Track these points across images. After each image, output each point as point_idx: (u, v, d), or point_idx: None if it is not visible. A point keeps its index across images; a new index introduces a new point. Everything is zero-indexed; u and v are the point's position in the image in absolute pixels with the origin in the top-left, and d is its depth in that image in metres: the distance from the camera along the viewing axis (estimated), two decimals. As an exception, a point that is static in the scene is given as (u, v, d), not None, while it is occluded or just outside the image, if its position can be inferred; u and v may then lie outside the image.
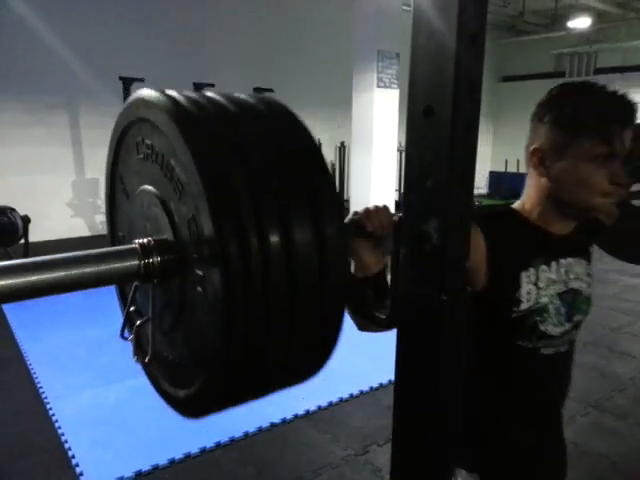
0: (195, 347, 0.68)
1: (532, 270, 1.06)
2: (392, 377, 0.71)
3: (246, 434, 2.67)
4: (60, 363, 3.47)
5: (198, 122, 0.60)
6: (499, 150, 12.65)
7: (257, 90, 7.33)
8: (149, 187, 0.71)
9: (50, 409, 2.89)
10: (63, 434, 2.66)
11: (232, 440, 2.62)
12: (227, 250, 0.55)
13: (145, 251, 0.65)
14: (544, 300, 1.06)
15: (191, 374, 0.68)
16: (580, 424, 2.84)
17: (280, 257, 0.57)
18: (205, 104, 0.62)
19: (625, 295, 5.10)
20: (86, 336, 3.92)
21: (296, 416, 2.82)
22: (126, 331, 0.82)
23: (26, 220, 5.31)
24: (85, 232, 7.63)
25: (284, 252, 0.58)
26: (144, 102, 0.66)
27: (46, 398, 3.01)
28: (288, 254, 0.58)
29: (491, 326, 1.08)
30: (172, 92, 0.64)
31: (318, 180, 0.62)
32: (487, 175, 12.96)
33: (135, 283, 0.75)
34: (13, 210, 5.27)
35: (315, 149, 0.66)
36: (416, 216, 0.61)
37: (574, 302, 1.11)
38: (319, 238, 0.59)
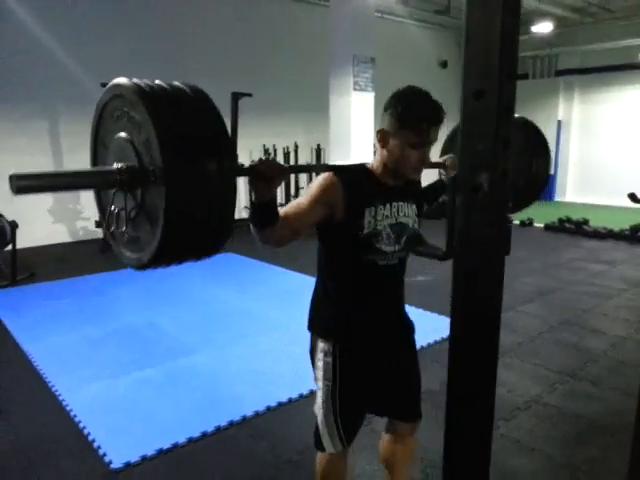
0: (147, 228, 1.21)
1: (373, 208, 1.60)
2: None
3: (256, 413, 2.84)
4: (64, 360, 3.56)
5: (148, 91, 1.16)
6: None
7: (235, 95, 7.51)
8: (121, 134, 1.25)
9: (63, 400, 3.00)
10: (80, 422, 2.78)
11: (244, 419, 2.79)
12: (167, 164, 1.09)
13: (120, 170, 1.20)
14: (379, 228, 1.61)
15: (143, 245, 1.24)
16: (560, 391, 3.10)
17: (196, 171, 1.12)
18: (153, 84, 1.19)
19: (593, 280, 5.46)
20: (85, 334, 4.01)
21: (301, 396, 3.01)
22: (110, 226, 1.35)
23: (13, 225, 5.34)
24: (67, 238, 7.63)
25: (198, 168, 1.12)
26: (119, 85, 1.22)
27: (57, 391, 3.11)
28: (199, 176, 1.13)
29: (345, 244, 1.63)
30: (135, 79, 1.20)
31: (221, 132, 1.18)
32: (457, 175, 13.37)
33: (114, 190, 1.26)
34: (0, 215, 5.30)
35: (217, 119, 1.19)
36: (471, 172, 0.83)
37: (401, 231, 1.66)
38: (218, 163, 1.14)
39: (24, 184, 1.15)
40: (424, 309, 4.47)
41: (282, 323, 4.17)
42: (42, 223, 7.29)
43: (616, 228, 7.56)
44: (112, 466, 2.41)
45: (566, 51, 11.14)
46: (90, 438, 2.63)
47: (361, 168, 1.68)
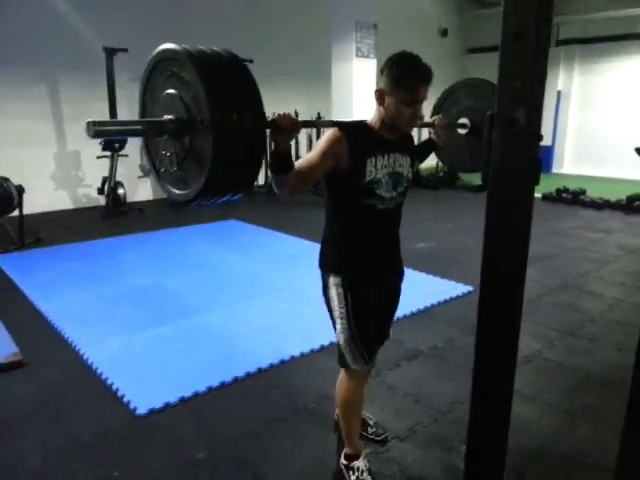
0: (194, 169, 1.48)
1: (373, 158, 1.82)
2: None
3: (271, 365, 2.97)
4: (80, 317, 3.67)
5: (197, 55, 1.40)
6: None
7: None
8: (170, 90, 1.50)
9: (84, 354, 3.12)
10: (102, 373, 2.90)
11: (259, 370, 2.92)
12: (214, 117, 1.35)
13: (172, 121, 1.47)
14: (379, 176, 1.84)
15: (186, 184, 1.53)
16: (559, 347, 3.26)
17: (236, 123, 1.38)
18: (199, 49, 1.43)
19: (590, 247, 5.59)
20: (97, 294, 4.12)
21: (312, 350, 3.14)
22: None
23: (20, 190, 5.38)
24: (69, 205, 7.67)
25: (237, 124, 1.38)
26: (170, 48, 1.47)
27: (76, 346, 3.23)
28: (238, 126, 1.39)
29: (349, 190, 1.86)
30: (182, 44, 1.43)
31: (253, 98, 1.44)
32: (455, 145, 13.39)
33: (165, 137, 1.52)
34: (7, 180, 5.33)
35: (251, 80, 1.46)
36: (508, 107, 0.92)
37: (397, 179, 1.90)
38: (253, 125, 1.42)
39: (99, 129, 1.44)
40: (426, 272, 4.59)
41: (287, 285, 4.28)
42: (45, 189, 7.32)
43: (612, 198, 7.68)
44: (137, 412, 2.54)
45: (568, 20, 11.05)
46: (114, 388, 2.76)
47: (362, 124, 1.91)
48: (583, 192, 8.07)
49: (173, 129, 1.48)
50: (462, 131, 2.44)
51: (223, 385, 2.79)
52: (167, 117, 1.49)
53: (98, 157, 7.02)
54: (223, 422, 2.49)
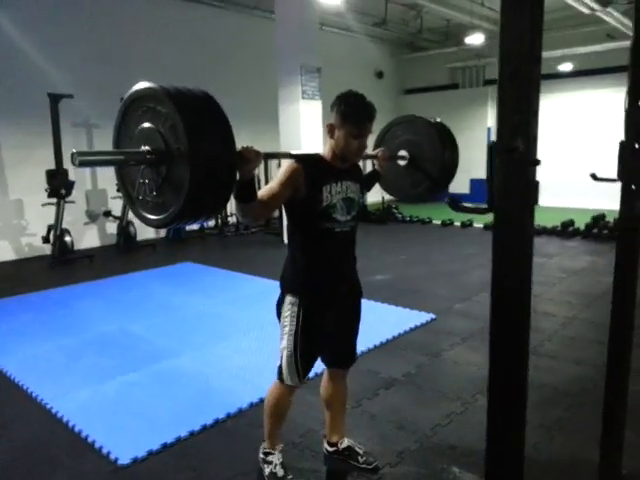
0: (171, 195, 1.60)
1: (328, 186, 2.03)
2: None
3: (251, 404, 2.95)
4: (43, 370, 3.51)
5: (172, 91, 1.54)
6: (406, 157, 13.66)
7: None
8: (147, 124, 1.62)
9: (51, 408, 2.98)
10: (75, 426, 2.78)
11: (240, 410, 2.90)
12: (192, 146, 1.48)
13: (149, 151, 1.60)
14: (334, 201, 2.04)
15: (165, 208, 1.63)
16: (524, 366, 3.42)
17: (210, 155, 1.53)
18: (172, 86, 1.56)
19: (535, 271, 5.92)
20: (58, 345, 3.95)
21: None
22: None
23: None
24: (11, 256, 7.34)
25: (211, 152, 1.53)
26: (146, 86, 1.60)
27: (42, 400, 3.08)
28: (214, 158, 1.54)
29: (308, 216, 2.05)
30: (158, 83, 1.57)
31: (226, 128, 1.58)
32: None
33: (143, 166, 1.65)
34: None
35: (222, 113, 1.60)
36: (509, 137, 1.05)
37: (350, 204, 2.10)
38: (226, 155, 1.57)
39: (83, 159, 1.60)
40: (388, 303, 4.73)
41: (255, 324, 4.28)
42: (-17, 240, 7.00)
43: (548, 225, 8.20)
44: (120, 462, 2.46)
45: (493, 62, 11.93)
46: (90, 440, 2.65)
47: (316, 156, 2.13)
48: (521, 220, 8.58)
49: (151, 159, 1.62)
50: (402, 162, 2.70)
51: (205, 428, 2.74)
52: (145, 148, 1.62)
53: (43, 205, 6.81)
54: (212, 465, 2.45)
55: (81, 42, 7.56)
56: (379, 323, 4.27)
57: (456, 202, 1.24)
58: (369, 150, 2.27)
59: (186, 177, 1.52)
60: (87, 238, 8.02)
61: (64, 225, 6.95)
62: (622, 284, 1.86)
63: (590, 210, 8.82)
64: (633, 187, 1.70)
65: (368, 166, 2.72)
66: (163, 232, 8.70)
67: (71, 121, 7.43)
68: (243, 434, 2.70)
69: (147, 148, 1.62)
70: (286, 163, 2.04)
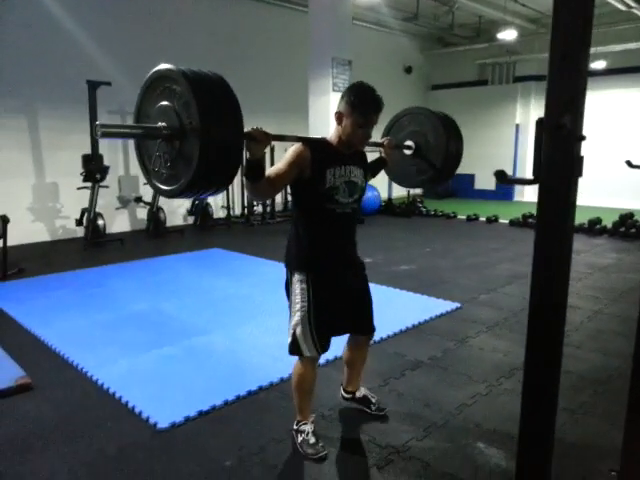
0: (182, 168, 1.78)
1: (332, 169, 2.15)
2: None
3: (281, 379, 3.06)
4: (81, 341, 3.67)
5: (188, 72, 1.72)
6: (432, 153, 13.63)
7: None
8: (164, 102, 1.80)
9: (92, 376, 3.13)
10: (115, 392, 2.92)
11: (271, 384, 3.01)
12: (203, 124, 1.67)
13: (165, 127, 1.79)
14: (337, 183, 2.16)
15: (177, 179, 1.81)
16: (549, 354, 3.47)
17: (219, 136, 1.72)
18: (191, 69, 1.75)
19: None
20: (94, 320, 4.12)
21: (319, 364, 3.23)
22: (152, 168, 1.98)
23: (5, 220, 5.34)
24: (46, 237, 7.58)
25: (221, 135, 1.72)
26: (165, 68, 1.79)
27: (83, 368, 3.23)
28: (222, 135, 1.72)
29: (312, 196, 2.17)
30: (176, 65, 1.75)
31: (237, 114, 1.76)
32: (422, 176, 13.90)
33: (159, 140, 1.83)
34: (-9, 210, 5.29)
35: (233, 95, 1.77)
36: (556, 114, 1.12)
37: (353, 187, 2.22)
38: (233, 133, 1.76)
39: (106, 130, 1.79)
40: (413, 292, 4.80)
41: (282, 307, 4.27)
42: (21, 222, 7.22)
43: (575, 222, 8.13)
44: (159, 426, 2.59)
45: (523, 59, 11.85)
46: (130, 405, 2.79)
47: (323, 140, 2.26)
48: (547, 217, 8.53)
49: (166, 134, 1.79)
50: (408, 152, 2.87)
51: (238, 399, 2.86)
52: (161, 124, 1.80)
53: (79, 188, 7.03)
54: (246, 432, 2.56)
55: (121, 32, 7.75)
56: (404, 310, 4.35)
57: (502, 174, 1.31)
58: (377, 138, 2.44)
59: (196, 151, 1.69)
60: (118, 222, 8.24)
61: (97, 209, 7.16)
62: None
63: (617, 209, 8.73)
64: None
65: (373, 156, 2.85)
66: (191, 219, 8.88)
67: (107, 109, 7.63)
68: (275, 405, 2.81)
69: (163, 124, 1.80)
70: (294, 145, 2.16)
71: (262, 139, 1.89)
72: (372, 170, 2.59)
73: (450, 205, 10.71)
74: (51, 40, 7.15)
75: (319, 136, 2.32)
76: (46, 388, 3.02)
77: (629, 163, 2.13)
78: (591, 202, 10.69)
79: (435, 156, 2.84)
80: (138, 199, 8.11)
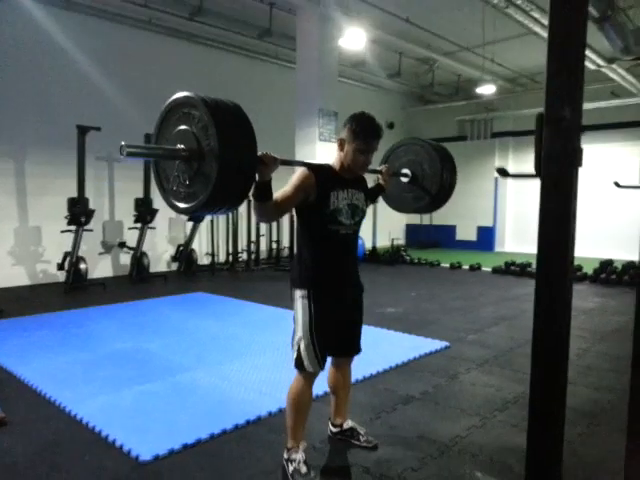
0: (200, 187, 1.90)
1: (335, 192, 2.26)
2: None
3: (270, 413, 2.96)
4: (61, 379, 3.52)
5: (206, 98, 1.87)
6: (414, 205, 13.88)
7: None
8: (182, 127, 1.94)
9: (70, 411, 2.99)
10: (94, 426, 2.79)
11: (259, 418, 2.91)
12: (221, 147, 1.79)
13: (184, 149, 1.92)
14: (340, 205, 2.27)
15: (195, 197, 1.93)
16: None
17: (235, 157, 1.85)
18: (210, 97, 1.90)
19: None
20: (75, 358, 3.98)
21: (309, 399, 3.16)
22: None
23: (-15, 259, 5.24)
24: (25, 281, 7.42)
25: (237, 156, 1.86)
26: (184, 95, 1.94)
27: (61, 404, 3.09)
28: (238, 156, 1.87)
29: (316, 218, 2.26)
30: (196, 93, 1.91)
31: (251, 139, 1.90)
32: (404, 227, 14.10)
33: (178, 161, 1.95)
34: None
35: (247, 120, 1.92)
36: (556, 107, 1.17)
37: (354, 210, 2.33)
38: (248, 155, 1.91)
39: (130, 150, 1.87)
40: (402, 332, 4.76)
41: (270, 346, 4.30)
42: (1, 265, 7.10)
43: (557, 270, 8.24)
44: (141, 459, 2.46)
45: (501, 115, 12.35)
46: (110, 439, 2.66)
47: (326, 166, 2.37)
48: (529, 264, 8.65)
49: (185, 155, 1.91)
50: (404, 179, 3.05)
51: (225, 432, 2.75)
52: (180, 146, 1.93)
53: (63, 231, 6.95)
54: (233, 464, 2.44)
55: (113, 78, 7.91)
56: (393, 348, 4.29)
57: (504, 170, 1.35)
58: (375, 166, 2.57)
59: (214, 171, 1.81)
60: (100, 268, 8.12)
61: (80, 254, 7.06)
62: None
63: (594, 259, 8.88)
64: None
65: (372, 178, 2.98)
66: (175, 266, 8.80)
67: (95, 155, 7.70)
68: (263, 439, 2.69)
69: (182, 146, 1.92)
70: (299, 170, 2.28)
71: (271, 163, 2.03)
72: (371, 196, 2.69)
73: (433, 254, 10.82)
74: (44, 86, 7.27)
75: (322, 163, 2.41)
76: (22, 424, 2.87)
77: (617, 184, 2.19)
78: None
79: (430, 184, 2.99)
80: (122, 244, 8.04)
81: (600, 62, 8.04)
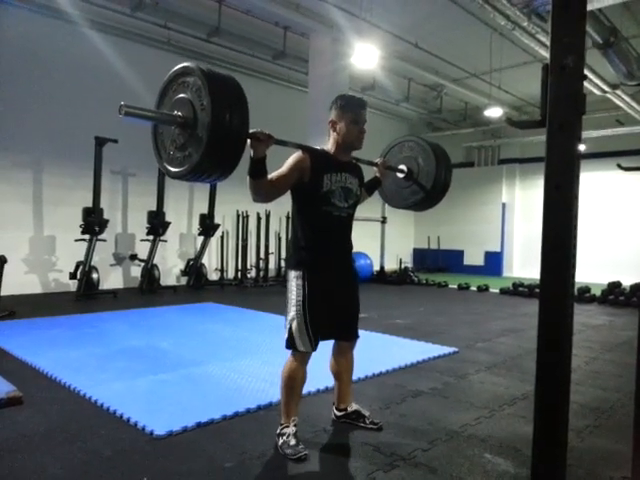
0: (192, 151, 2.01)
1: (329, 174, 2.33)
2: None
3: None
4: (75, 367, 3.59)
5: (205, 70, 1.99)
6: (421, 229, 13.99)
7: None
8: (181, 95, 2.06)
9: (85, 394, 3.04)
10: (109, 407, 2.84)
11: (271, 404, 2.95)
12: (215, 113, 1.91)
13: (181, 116, 2.03)
14: (333, 188, 2.34)
15: (184, 162, 2.06)
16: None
17: (228, 125, 1.94)
18: (209, 67, 2.04)
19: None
20: (89, 352, 4.04)
21: (318, 390, 3.20)
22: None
23: (3, 260, 5.36)
24: (37, 289, 7.52)
25: (229, 124, 1.94)
26: (186, 65, 2.07)
27: (76, 388, 3.15)
28: (230, 124, 1.95)
29: (311, 199, 2.34)
30: (196, 63, 2.04)
31: (244, 107, 2.00)
32: (411, 252, 14.16)
33: (174, 127, 2.06)
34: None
35: (240, 89, 2.04)
36: (560, 56, 1.28)
37: (348, 193, 2.40)
38: (239, 123, 1.98)
39: (129, 110, 1.97)
40: (410, 339, 4.79)
41: (281, 347, 4.33)
42: (15, 272, 7.20)
43: (564, 291, 8.25)
44: (156, 433, 2.50)
45: (507, 142, 12.55)
46: (125, 417, 2.71)
47: (321, 149, 2.44)
48: (537, 286, 8.65)
49: (180, 121, 2.01)
50: (401, 175, 3.10)
51: (237, 414, 2.79)
52: (177, 112, 2.04)
53: (77, 240, 7.09)
54: (245, 440, 2.49)
55: (131, 95, 8.15)
56: (402, 351, 4.33)
57: (510, 119, 1.45)
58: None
59: (206, 133, 1.90)
60: (111, 279, 8.22)
61: (92, 264, 7.17)
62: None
63: (600, 284, 8.88)
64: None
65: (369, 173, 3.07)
66: (184, 280, 8.88)
67: (110, 168, 7.90)
68: (275, 420, 2.72)
69: (179, 113, 2.03)
70: (295, 152, 2.35)
71: (265, 139, 2.09)
72: (368, 188, 2.78)
73: (441, 277, 10.85)
74: (63, 100, 7.52)
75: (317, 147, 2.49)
76: (37, 403, 2.92)
77: (619, 166, 2.28)
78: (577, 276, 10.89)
79: (425, 179, 3.06)
80: (133, 256, 8.15)
81: (605, 87, 8.24)
